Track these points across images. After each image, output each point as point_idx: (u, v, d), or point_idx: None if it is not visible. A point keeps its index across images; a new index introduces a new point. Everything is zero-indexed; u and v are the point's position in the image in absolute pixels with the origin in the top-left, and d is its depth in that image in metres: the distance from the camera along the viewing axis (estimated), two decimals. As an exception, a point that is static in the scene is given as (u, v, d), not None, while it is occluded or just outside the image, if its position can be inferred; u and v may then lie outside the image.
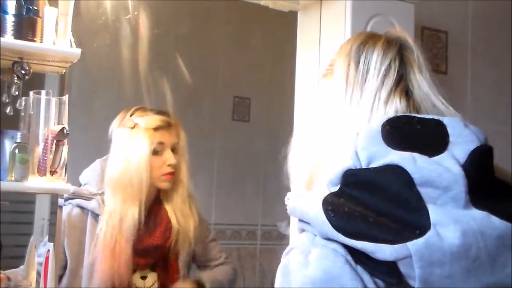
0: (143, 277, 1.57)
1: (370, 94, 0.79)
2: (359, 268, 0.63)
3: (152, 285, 1.57)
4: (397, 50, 0.82)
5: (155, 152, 1.57)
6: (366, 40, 0.84)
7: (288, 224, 1.81)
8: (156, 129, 1.58)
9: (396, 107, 0.78)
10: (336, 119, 0.81)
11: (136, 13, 2.25)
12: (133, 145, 1.55)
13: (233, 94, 2.94)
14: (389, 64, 0.81)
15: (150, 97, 2.36)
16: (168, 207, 1.62)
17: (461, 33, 2.09)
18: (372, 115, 0.78)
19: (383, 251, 0.61)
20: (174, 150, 1.61)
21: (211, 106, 2.86)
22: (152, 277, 1.58)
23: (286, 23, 1.96)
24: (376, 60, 0.81)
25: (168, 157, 1.59)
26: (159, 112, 1.63)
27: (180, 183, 1.64)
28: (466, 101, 2.07)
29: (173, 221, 1.60)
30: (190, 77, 2.65)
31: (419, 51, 0.84)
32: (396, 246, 0.61)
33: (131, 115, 1.59)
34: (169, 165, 1.58)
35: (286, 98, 1.89)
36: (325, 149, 0.81)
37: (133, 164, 1.53)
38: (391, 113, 0.78)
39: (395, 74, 0.80)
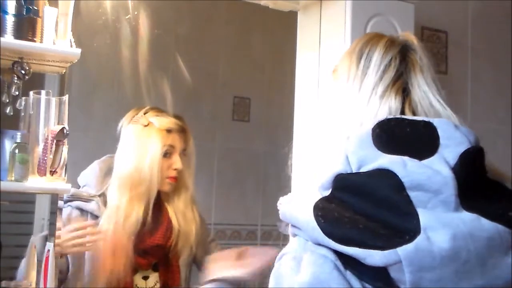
0: (145, 277, 1.57)
1: (367, 88, 0.80)
2: (348, 273, 0.64)
3: (154, 285, 1.57)
4: (399, 49, 0.83)
5: (164, 154, 1.58)
6: (371, 39, 0.85)
7: (288, 224, 1.81)
8: (169, 131, 1.59)
9: (390, 104, 0.79)
10: (335, 113, 0.82)
11: (136, 13, 2.25)
12: (146, 144, 1.55)
13: (233, 94, 2.94)
14: (390, 62, 0.81)
15: (150, 97, 2.36)
16: (169, 208, 1.63)
17: (461, 33, 2.09)
18: (368, 108, 0.78)
19: (373, 257, 0.61)
20: (180, 154, 1.62)
21: (211, 106, 2.86)
22: (154, 277, 1.58)
23: (286, 23, 1.96)
24: (377, 57, 0.82)
25: (176, 161, 1.60)
26: (174, 116, 1.64)
27: (183, 187, 1.64)
28: (466, 101, 2.07)
29: (174, 222, 1.60)
30: (190, 77, 2.65)
31: (423, 54, 0.84)
32: (385, 252, 0.61)
33: (144, 113, 1.59)
34: (175, 169, 1.59)
35: (286, 98, 1.89)
36: (324, 146, 0.82)
37: (146, 164, 1.53)
38: (384, 109, 0.78)
39: (394, 71, 0.81)
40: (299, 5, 1.83)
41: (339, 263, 0.64)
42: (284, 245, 0.89)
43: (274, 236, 2.95)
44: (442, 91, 0.83)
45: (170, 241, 1.59)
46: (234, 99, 2.96)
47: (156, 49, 2.52)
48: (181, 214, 1.62)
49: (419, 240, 0.61)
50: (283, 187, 1.90)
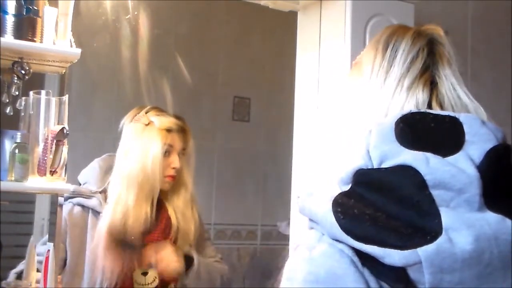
0: (144, 273, 1.58)
1: (394, 80, 0.78)
2: (366, 272, 0.62)
3: (153, 281, 1.58)
4: (427, 41, 0.81)
5: (164, 153, 1.59)
6: (396, 30, 0.84)
7: (288, 224, 1.82)
8: (168, 130, 1.60)
9: (417, 96, 0.77)
10: (358, 104, 0.80)
11: (136, 13, 2.26)
12: (147, 143, 1.57)
13: (233, 94, 2.95)
14: (417, 53, 0.80)
15: (150, 97, 2.36)
16: (168, 206, 1.64)
17: (461, 33, 2.09)
18: (393, 101, 0.77)
19: (392, 256, 0.60)
20: (179, 154, 1.63)
21: (211, 106, 2.87)
22: (152, 273, 1.59)
23: (286, 23, 1.96)
24: (404, 49, 0.80)
25: (174, 160, 1.61)
26: (175, 116, 1.65)
27: (183, 186, 1.66)
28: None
29: (173, 219, 1.62)
30: (190, 77, 2.66)
31: (450, 48, 0.83)
32: (405, 252, 0.59)
33: (146, 112, 1.61)
34: (173, 168, 1.61)
35: (286, 98, 1.90)
36: (344, 139, 0.80)
37: (149, 163, 1.55)
38: (412, 102, 0.76)
39: (422, 63, 0.79)
40: (299, 5, 1.83)
41: (356, 259, 0.62)
42: (282, 245, 0.88)
43: (274, 236, 2.95)
44: (467, 86, 0.82)
45: (169, 238, 1.60)
46: (234, 99, 2.96)
47: (156, 49, 2.52)
48: (181, 213, 1.64)
49: (440, 241, 0.59)
50: (283, 187, 1.90)
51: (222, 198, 2.86)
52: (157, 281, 1.58)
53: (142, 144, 1.57)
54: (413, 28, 0.84)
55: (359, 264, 0.62)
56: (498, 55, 2.15)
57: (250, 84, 2.97)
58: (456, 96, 0.79)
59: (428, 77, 0.79)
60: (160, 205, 1.64)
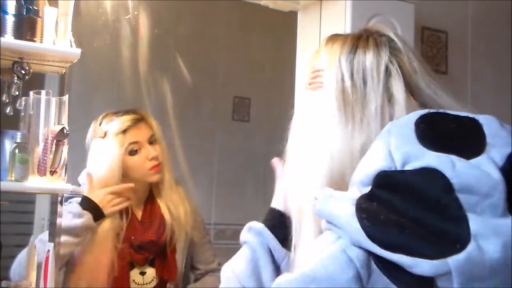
0: (142, 273, 1.58)
1: (375, 109, 0.76)
2: (372, 281, 0.61)
3: (151, 281, 1.58)
4: (389, 52, 0.79)
5: (133, 153, 1.59)
6: (354, 45, 0.80)
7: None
8: (125, 131, 1.58)
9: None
10: (341, 143, 0.77)
11: (136, 13, 2.25)
12: (105, 154, 1.56)
13: (233, 94, 2.94)
14: (386, 69, 0.78)
15: (150, 97, 2.36)
16: (161, 203, 1.65)
17: (461, 33, 2.09)
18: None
19: (421, 266, 0.58)
20: (152, 142, 1.62)
21: (211, 106, 2.86)
22: (151, 273, 1.59)
23: (286, 23, 1.96)
24: (371, 69, 0.78)
25: (147, 152, 1.60)
26: (126, 112, 1.63)
27: (165, 170, 1.65)
28: (466, 101, 2.07)
29: (166, 216, 1.62)
30: (190, 77, 2.65)
31: (406, 48, 0.81)
32: (435, 261, 0.58)
33: (100, 124, 1.60)
34: (152, 158, 1.59)
35: (286, 98, 1.89)
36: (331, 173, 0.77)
37: (103, 173, 1.55)
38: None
39: (399, 78, 0.78)
40: (299, 5, 1.83)
41: (363, 272, 0.61)
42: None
43: (274, 236, 2.94)
44: (438, 80, 0.80)
45: (164, 236, 1.60)
46: (234, 99, 2.95)
47: (156, 49, 2.52)
48: (170, 200, 1.63)
49: (470, 249, 0.57)
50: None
51: (222, 198, 2.86)
52: (155, 281, 1.58)
53: (102, 156, 1.57)
54: (369, 40, 0.81)
55: (364, 277, 0.61)
56: (498, 55, 2.15)
57: (250, 84, 2.97)
58: (438, 105, 0.78)
59: (409, 89, 0.78)
60: (153, 204, 1.64)
